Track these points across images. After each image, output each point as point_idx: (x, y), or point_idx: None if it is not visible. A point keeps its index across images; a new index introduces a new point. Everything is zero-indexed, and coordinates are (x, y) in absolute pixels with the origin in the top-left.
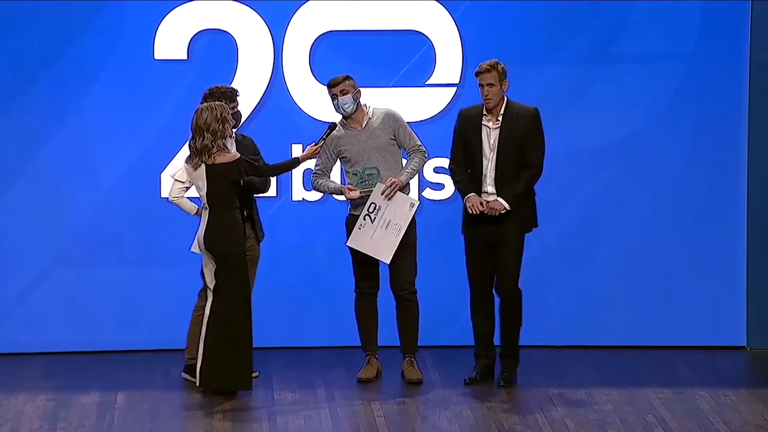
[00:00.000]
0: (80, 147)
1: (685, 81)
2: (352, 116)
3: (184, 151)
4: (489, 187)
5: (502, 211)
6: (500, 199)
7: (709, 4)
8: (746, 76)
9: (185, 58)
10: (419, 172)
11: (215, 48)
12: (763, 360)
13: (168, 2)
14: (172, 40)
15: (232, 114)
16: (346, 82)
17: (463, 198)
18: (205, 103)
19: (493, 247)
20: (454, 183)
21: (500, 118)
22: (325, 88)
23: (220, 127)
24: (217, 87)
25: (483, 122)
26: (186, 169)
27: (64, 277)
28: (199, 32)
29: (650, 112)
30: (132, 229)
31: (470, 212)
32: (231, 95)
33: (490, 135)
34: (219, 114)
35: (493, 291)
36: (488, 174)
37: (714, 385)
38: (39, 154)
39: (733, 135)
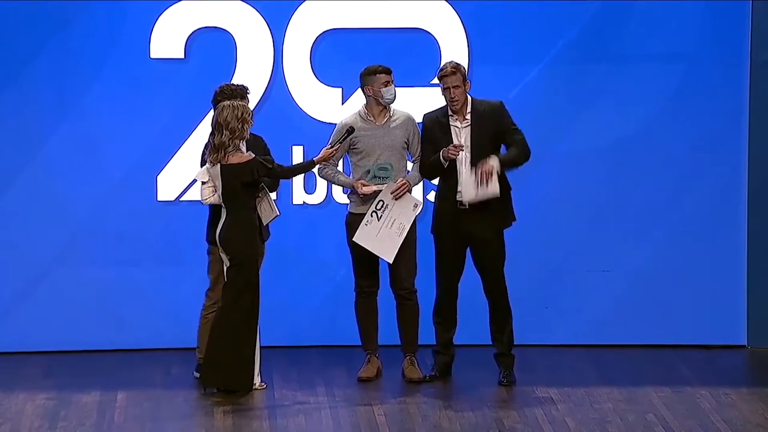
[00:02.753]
0: (78, 147)
1: (685, 81)
2: (374, 109)
3: (182, 152)
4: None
5: (491, 171)
6: (493, 156)
7: (709, 4)
8: (747, 76)
9: (182, 56)
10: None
11: (213, 46)
12: (763, 359)
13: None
14: (168, 38)
15: None
16: (392, 74)
17: (441, 160)
18: (228, 101)
19: (467, 246)
20: (425, 170)
21: (468, 117)
22: (324, 87)
23: (239, 126)
24: (227, 85)
25: (450, 123)
26: (207, 167)
27: (64, 276)
28: (196, 30)
29: (650, 112)
30: (131, 228)
31: (454, 153)
32: (242, 93)
33: (459, 134)
34: (240, 113)
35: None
36: (463, 174)
37: (714, 384)
38: (37, 155)
39: (734, 135)
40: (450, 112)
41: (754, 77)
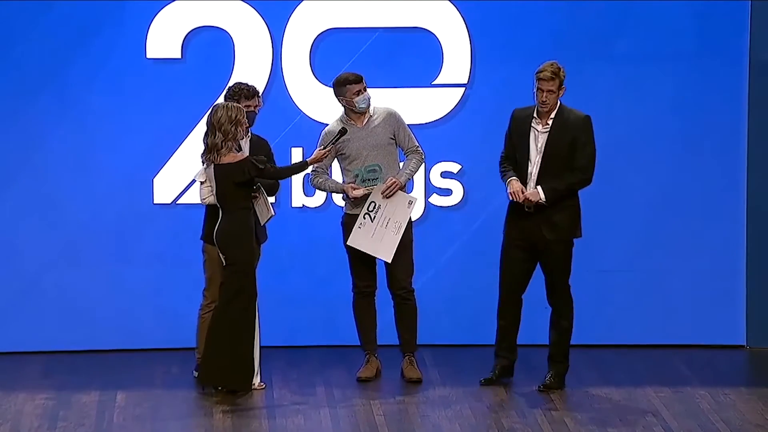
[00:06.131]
0: (76, 148)
1: (685, 81)
2: (352, 114)
3: (178, 155)
4: (532, 189)
5: (536, 201)
6: (539, 188)
7: (709, 4)
8: (746, 76)
9: (179, 57)
10: (417, 173)
11: (211, 46)
12: (762, 359)
13: None
14: (165, 37)
15: (247, 113)
16: (363, 81)
17: (506, 183)
18: (222, 102)
19: (534, 253)
20: (500, 171)
21: (550, 123)
22: (324, 87)
23: (232, 129)
24: (237, 83)
25: (532, 125)
26: (204, 167)
27: (63, 276)
28: (193, 30)
29: (650, 112)
30: (129, 229)
31: (511, 199)
32: (248, 93)
33: (537, 138)
34: (233, 115)
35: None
36: (532, 178)
37: (713, 384)
38: (34, 156)
39: (733, 134)
40: (535, 114)
41: (754, 77)
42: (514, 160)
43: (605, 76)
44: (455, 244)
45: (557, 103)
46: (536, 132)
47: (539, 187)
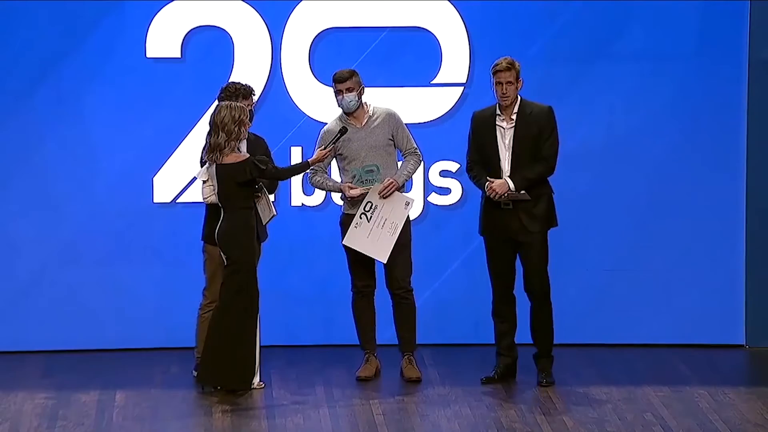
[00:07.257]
0: (76, 147)
1: (685, 80)
2: (353, 113)
3: (178, 154)
4: (499, 181)
5: (505, 192)
6: (507, 179)
7: (709, 4)
8: (745, 75)
9: (179, 56)
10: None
11: (210, 46)
12: (762, 358)
13: None
14: (165, 37)
15: None
16: (353, 79)
17: (484, 188)
18: (226, 102)
19: (515, 247)
20: (471, 179)
21: (514, 118)
22: (323, 87)
23: (236, 129)
24: (232, 83)
25: (497, 123)
26: (207, 166)
27: (63, 275)
28: (193, 29)
29: (650, 111)
30: (130, 227)
31: (492, 197)
32: (245, 93)
33: (504, 135)
34: (237, 115)
35: (514, 292)
36: (505, 174)
37: (713, 384)
38: (34, 155)
39: (733, 134)
40: (498, 111)
41: (753, 76)
42: (481, 164)
43: (605, 76)
44: (454, 243)
45: (517, 96)
46: (502, 129)
47: (507, 178)
